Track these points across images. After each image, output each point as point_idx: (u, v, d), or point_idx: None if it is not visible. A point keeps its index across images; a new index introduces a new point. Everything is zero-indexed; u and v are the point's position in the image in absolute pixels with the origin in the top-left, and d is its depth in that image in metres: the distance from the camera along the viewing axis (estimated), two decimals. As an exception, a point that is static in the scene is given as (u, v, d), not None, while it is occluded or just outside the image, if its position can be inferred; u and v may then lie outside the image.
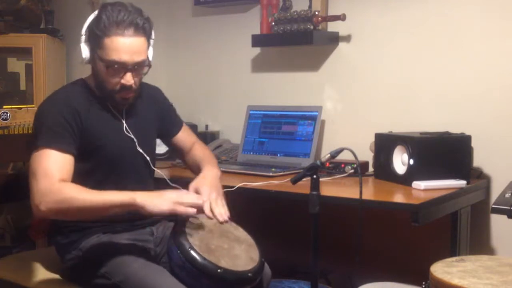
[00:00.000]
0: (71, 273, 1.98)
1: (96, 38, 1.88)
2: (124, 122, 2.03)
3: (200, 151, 2.24)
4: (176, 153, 2.36)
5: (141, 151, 2.04)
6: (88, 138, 1.92)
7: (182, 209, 1.77)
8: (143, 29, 1.89)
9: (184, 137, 2.27)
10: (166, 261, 1.91)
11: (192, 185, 1.95)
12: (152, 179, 2.15)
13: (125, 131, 2.02)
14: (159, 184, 2.22)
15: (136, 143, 2.04)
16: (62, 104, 1.91)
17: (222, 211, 1.87)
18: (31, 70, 3.48)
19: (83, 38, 1.93)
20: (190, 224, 1.87)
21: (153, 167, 2.12)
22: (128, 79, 1.89)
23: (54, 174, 1.78)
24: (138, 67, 1.91)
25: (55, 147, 1.82)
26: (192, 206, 1.79)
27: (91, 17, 1.93)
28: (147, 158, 2.07)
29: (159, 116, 2.19)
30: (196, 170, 2.15)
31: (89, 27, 1.92)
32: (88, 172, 1.93)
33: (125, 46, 1.85)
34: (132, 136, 2.03)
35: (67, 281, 1.99)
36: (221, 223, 1.87)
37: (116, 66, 1.87)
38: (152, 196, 1.78)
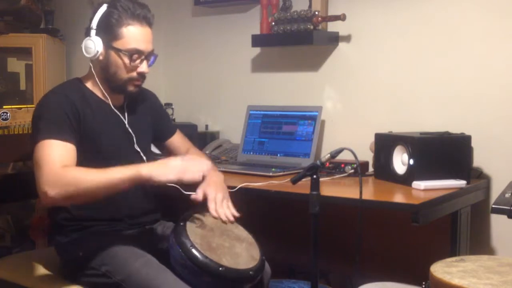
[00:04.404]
0: (72, 272, 1.97)
1: (112, 30, 1.93)
2: (125, 119, 2.05)
3: (197, 156, 2.25)
4: (170, 156, 2.36)
5: (138, 149, 2.06)
6: (86, 131, 1.93)
7: (189, 176, 1.81)
8: (151, 21, 2.00)
9: (178, 141, 2.29)
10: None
11: (200, 188, 1.95)
12: None
13: (127, 127, 2.04)
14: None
15: (135, 141, 2.05)
16: (60, 97, 1.93)
17: (227, 212, 1.93)
18: (31, 70, 3.48)
19: (93, 32, 1.94)
20: (191, 223, 1.88)
21: None
22: (146, 66, 1.99)
23: (56, 160, 1.78)
24: (150, 56, 2.00)
25: (56, 138, 1.82)
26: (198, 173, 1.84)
27: (101, 11, 1.95)
28: (144, 158, 2.07)
29: (154, 120, 2.21)
30: None
31: (102, 20, 1.94)
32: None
33: (142, 35, 1.96)
34: (132, 133, 2.05)
35: (68, 281, 1.98)
36: (225, 222, 1.90)
37: (135, 54, 1.94)
38: (157, 165, 1.80)
